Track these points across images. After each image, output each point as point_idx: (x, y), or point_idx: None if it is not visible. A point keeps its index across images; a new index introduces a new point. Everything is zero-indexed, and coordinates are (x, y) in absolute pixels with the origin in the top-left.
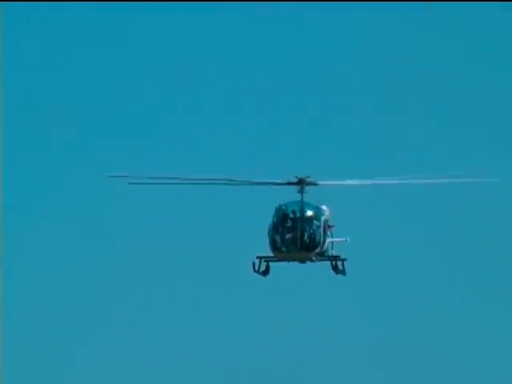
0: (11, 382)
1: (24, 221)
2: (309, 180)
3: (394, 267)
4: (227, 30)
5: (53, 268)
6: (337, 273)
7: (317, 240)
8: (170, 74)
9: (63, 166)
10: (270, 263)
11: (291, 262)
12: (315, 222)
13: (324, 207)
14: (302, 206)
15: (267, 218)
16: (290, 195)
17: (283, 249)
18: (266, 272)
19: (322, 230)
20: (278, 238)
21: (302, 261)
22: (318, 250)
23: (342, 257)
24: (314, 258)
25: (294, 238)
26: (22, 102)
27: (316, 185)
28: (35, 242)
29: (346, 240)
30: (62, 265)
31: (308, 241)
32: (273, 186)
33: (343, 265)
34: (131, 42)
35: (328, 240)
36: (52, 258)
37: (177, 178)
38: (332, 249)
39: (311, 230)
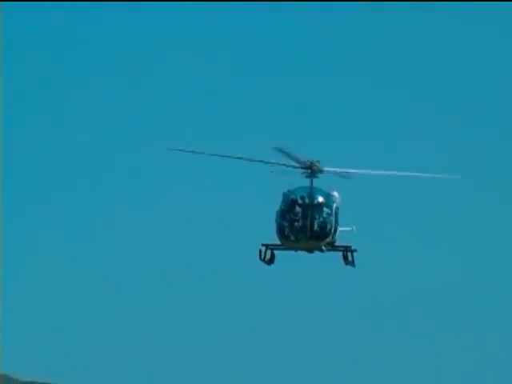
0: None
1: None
2: (320, 165)
3: (400, 259)
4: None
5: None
6: (346, 264)
7: (328, 228)
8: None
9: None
10: (276, 252)
11: (298, 252)
12: (326, 209)
13: (335, 193)
14: (312, 192)
15: (274, 203)
16: (298, 180)
17: (292, 237)
18: (271, 261)
19: (333, 217)
20: (286, 226)
21: (311, 250)
22: (328, 239)
23: (353, 247)
24: (324, 248)
25: (304, 225)
26: (22, 101)
27: (322, 172)
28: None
29: (352, 229)
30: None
31: (318, 229)
32: (282, 168)
33: (353, 256)
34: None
35: (339, 229)
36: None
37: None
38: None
39: (322, 218)
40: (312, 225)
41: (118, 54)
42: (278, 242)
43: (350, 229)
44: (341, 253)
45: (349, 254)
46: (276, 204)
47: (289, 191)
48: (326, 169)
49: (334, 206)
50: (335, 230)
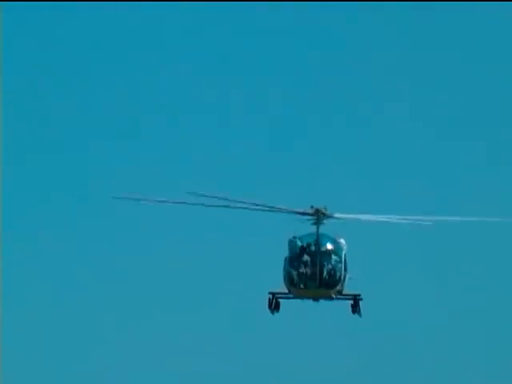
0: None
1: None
2: (325, 211)
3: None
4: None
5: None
6: (354, 312)
7: (337, 276)
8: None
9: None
10: (281, 300)
11: (305, 300)
12: (335, 256)
13: (342, 241)
14: (320, 239)
15: (279, 249)
16: (303, 227)
17: (301, 285)
18: (277, 309)
19: (342, 265)
20: (294, 274)
21: (317, 299)
22: (338, 287)
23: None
24: (334, 296)
25: (313, 273)
26: (21, 100)
27: (332, 217)
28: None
29: (352, 277)
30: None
31: (328, 277)
32: (287, 215)
33: (359, 304)
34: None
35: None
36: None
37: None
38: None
39: (331, 265)
40: (321, 272)
41: (118, 53)
42: (286, 290)
43: (350, 276)
44: (349, 301)
45: (356, 302)
46: (280, 251)
47: (294, 238)
48: (337, 215)
49: (343, 253)
50: (344, 278)
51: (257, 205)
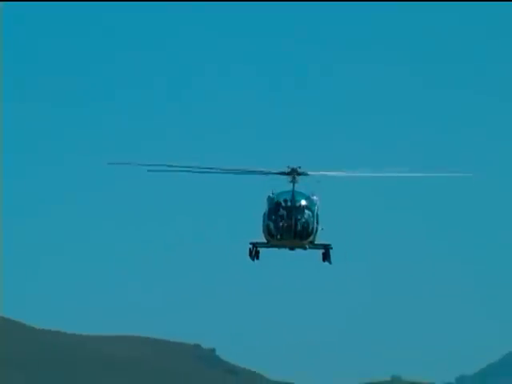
0: None
1: None
2: (300, 170)
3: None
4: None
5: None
6: (324, 260)
7: (310, 228)
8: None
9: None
10: (261, 248)
11: (282, 249)
12: (308, 211)
13: (315, 197)
14: (295, 196)
15: (259, 206)
16: (281, 184)
17: (278, 236)
18: (257, 257)
19: (314, 219)
20: (272, 226)
21: (293, 248)
22: (311, 238)
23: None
24: (307, 246)
25: (289, 226)
26: (21, 100)
27: (307, 175)
28: None
29: (322, 228)
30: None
31: (302, 229)
32: (265, 175)
33: (329, 253)
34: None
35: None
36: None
37: (174, 166)
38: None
39: (304, 219)
40: (296, 225)
41: (118, 54)
42: (264, 241)
43: (321, 228)
44: (320, 250)
45: (327, 251)
46: (260, 208)
47: (272, 194)
48: (310, 173)
49: (315, 208)
50: (316, 230)
51: (237, 170)
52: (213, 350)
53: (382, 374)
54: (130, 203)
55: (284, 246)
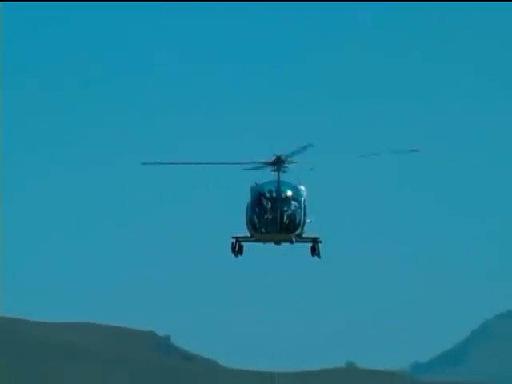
0: None
1: None
2: (285, 158)
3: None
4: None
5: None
6: (313, 255)
7: (297, 221)
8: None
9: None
10: (245, 243)
11: (266, 244)
12: (294, 202)
13: (302, 187)
14: (280, 186)
15: (242, 198)
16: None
17: (262, 230)
18: (240, 252)
19: (301, 210)
20: (256, 219)
21: (278, 242)
22: (298, 231)
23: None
24: (293, 240)
25: (274, 218)
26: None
27: (293, 162)
28: None
29: (311, 221)
30: None
31: (288, 222)
32: (249, 165)
33: (319, 247)
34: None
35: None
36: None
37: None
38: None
39: (290, 211)
40: (282, 217)
41: (117, 53)
42: (248, 235)
43: (309, 221)
44: (308, 244)
45: (316, 245)
46: (243, 199)
47: (256, 184)
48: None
49: (302, 199)
50: (304, 222)
51: (219, 162)
52: (168, 337)
53: (337, 361)
54: (105, 193)
55: (269, 241)
